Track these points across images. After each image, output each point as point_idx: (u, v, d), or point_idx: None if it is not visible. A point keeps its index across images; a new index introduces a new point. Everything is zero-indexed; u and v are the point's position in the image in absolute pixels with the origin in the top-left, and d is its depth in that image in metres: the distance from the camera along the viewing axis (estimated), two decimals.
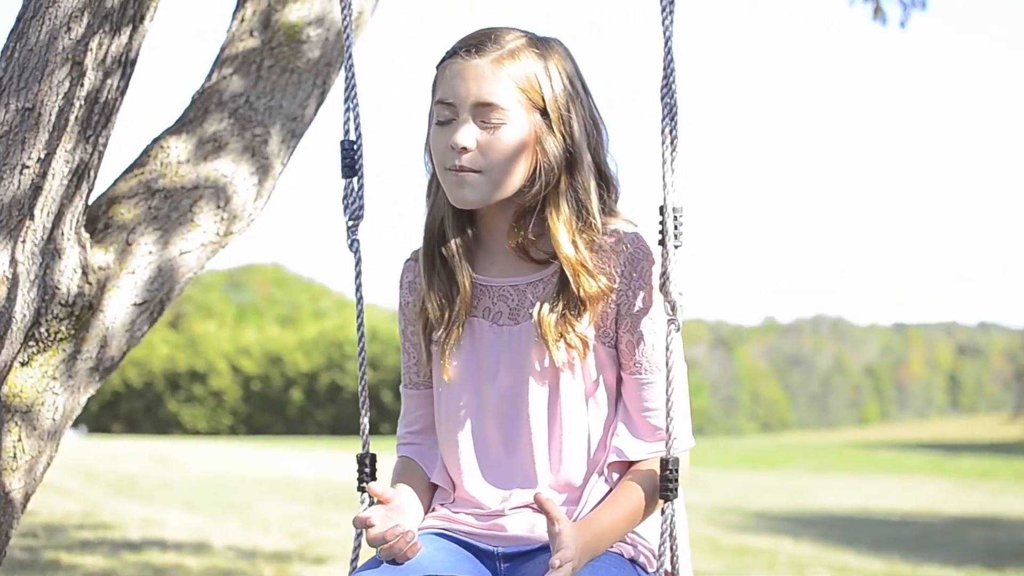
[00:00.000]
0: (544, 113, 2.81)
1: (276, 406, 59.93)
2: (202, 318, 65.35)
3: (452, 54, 2.84)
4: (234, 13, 4.06)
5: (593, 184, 2.84)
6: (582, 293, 2.78)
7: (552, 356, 2.79)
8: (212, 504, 14.11)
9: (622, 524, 2.77)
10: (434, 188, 2.93)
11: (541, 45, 2.84)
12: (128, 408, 58.49)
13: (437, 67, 2.88)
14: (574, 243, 2.79)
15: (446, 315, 2.89)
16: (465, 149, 2.76)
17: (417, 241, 3.00)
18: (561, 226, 2.80)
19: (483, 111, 2.77)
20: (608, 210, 2.88)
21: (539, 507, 2.64)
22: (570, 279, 2.78)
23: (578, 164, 2.82)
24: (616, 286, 2.79)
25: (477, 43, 2.82)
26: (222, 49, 4.01)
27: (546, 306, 2.81)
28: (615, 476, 2.85)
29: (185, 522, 11.81)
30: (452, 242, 2.89)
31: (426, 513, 2.97)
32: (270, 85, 3.91)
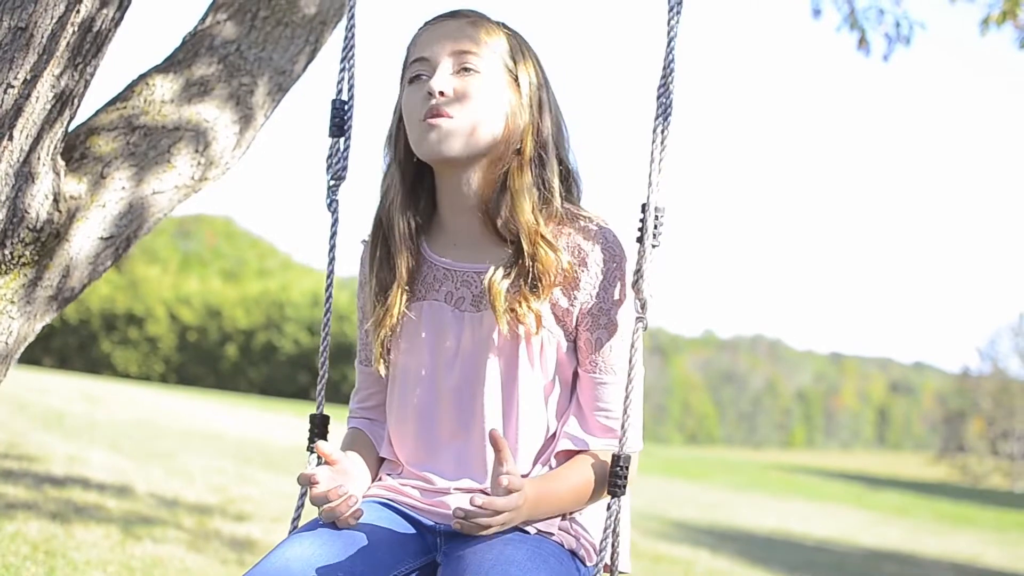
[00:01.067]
0: (517, 88, 2.82)
1: (210, 359, 59.65)
2: (146, 262, 64.94)
3: (428, 23, 2.87)
4: None
5: (557, 171, 2.85)
6: (538, 266, 2.76)
7: (500, 328, 2.77)
8: (137, 449, 14.03)
9: (567, 497, 2.76)
10: (388, 177, 2.91)
11: (517, 35, 2.88)
12: (61, 343, 58.07)
13: (411, 42, 2.88)
14: (534, 213, 2.79)
15: (398, 300, 2.88)
16: (442, 93, 2.75)
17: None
18: (524, 193, 2.78)
19: (460, 57, 2.78)
20: (573, 203, 2.89)
21: (492, 443, 2.61)
22: (526, 249, 2.76)
23: (545, 146, 2.83)
24: (581, 277, 2.79)
25: (453, 11, 2.85)
26: None
27: (499, 272, 2.79)
28: (559, 464, 2.85)
29: (109, 463, 11.74)
30: (403, 220, 2.87)
31: (373, 480, 2.97)
32: (263, 36, 3.89)
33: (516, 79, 2.82)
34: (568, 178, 2.89)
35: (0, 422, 13.95)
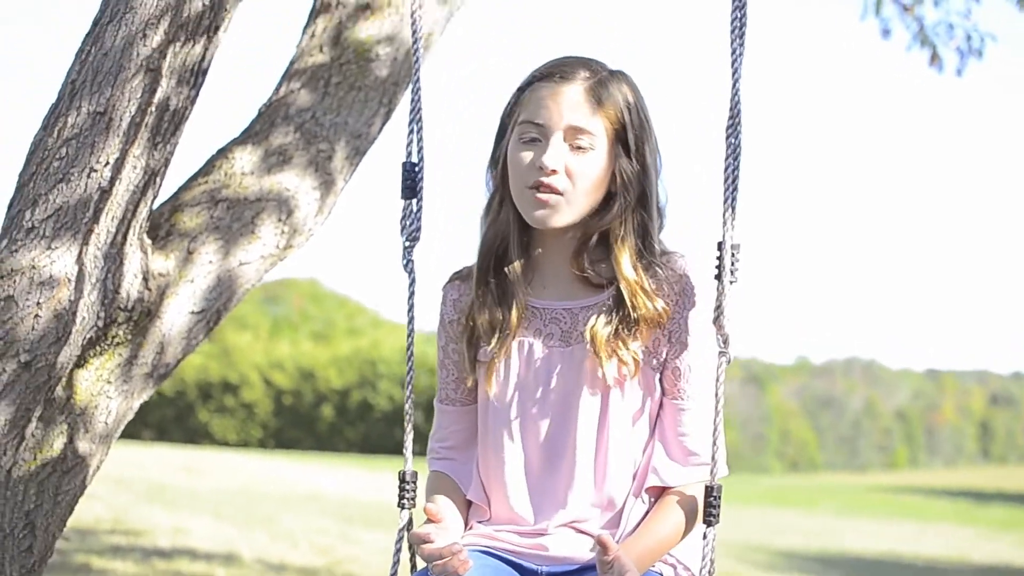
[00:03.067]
0: (624, 142, 2.85)
1: (306, 421, 59.83)
2: (237, 329, 65.35)
3: (540, 78, 2.88)
4: (305, 28, 4.09)
5: (655, 214, 2.89)
6: (638, 314, 2.83)
7: (604, 371, 2.82)
8: (240, 515, 14.12)
9: (663, 545, 2.83)
10: (495, 206, 2.95)
11: (621, 76, 2.90)
12: (158, 416, 58.45)
13: (521, 89, 2.91)
14: (635, 267, 2.84)
15: (496, 334, 2.92)
16: (555, 171, 2.80)
17: (458, 263, 3.04)
18: (626, 252, 2.85)
19: (573, 135, 2.81)
20: (660, 240, 2.93)
21: (598, 542, 2.66)
22: (627, 299, 2.83)
23: (648, 193, 2.87)
24: (670, 310, 2.83)
25: (566, 70, 2.87)
26: (291, 63, 4.05)
27: (601, 320, 2.85)
28: (652, 499, 2.90)
29: (214, 532, 11.82)
30: (516, 263, 2.92)
31: (465, 528, 2.99)
32: (337, 101, 3.94)
33: (627, 143, 2.86)
34: (660, 215, 2.93)
35: (103, 498, 14.08)
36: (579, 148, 2.83)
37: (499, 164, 2.94)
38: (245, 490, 18.79)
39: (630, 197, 2.86)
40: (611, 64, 2.93)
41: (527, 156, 2.85)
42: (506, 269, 2.93)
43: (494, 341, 2.92)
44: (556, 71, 2.88)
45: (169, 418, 58.92)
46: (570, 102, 2.84)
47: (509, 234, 2.93)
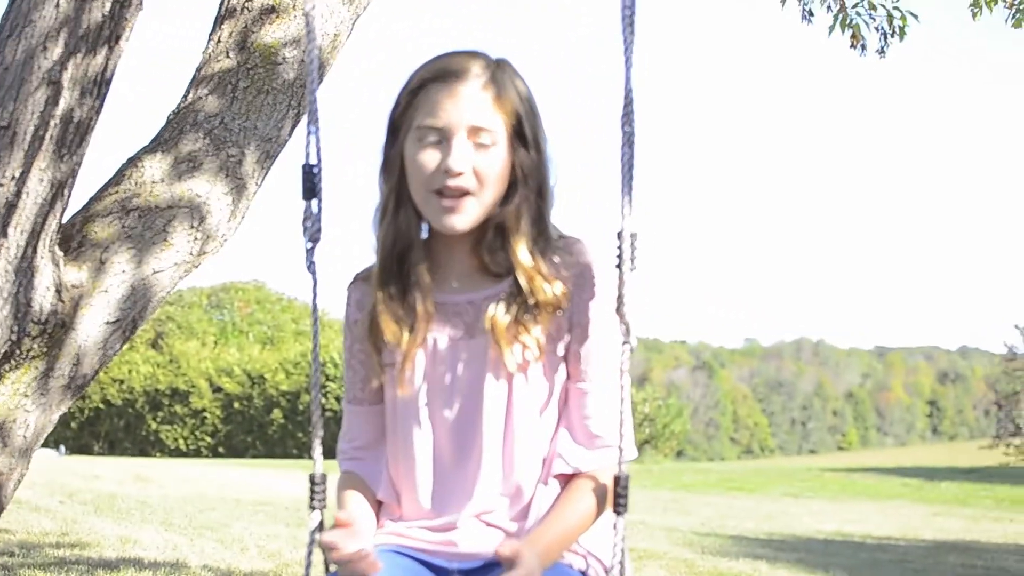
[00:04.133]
0: (521, 134, 2.86)
1: (257, 426, 59.68)
2: (184, 337, 65.08)
3: (432, 79, 2.87)
4: (210, 34, 4.07)
5: (548, 199, 2.91)
6: (537, 299, 2.82)
7: (506, 359, 2.83)
8: (189, 523, 14.07)
9: (570, 534, 2.82)
10: (391, 209, 2.94)
11: (507, 66, 2.90)
12: (108, 427, 58.19)
13: (412, 91, 2.90)
14: (531, 253, 2.85)
15: (401, 336, 2.92)
16: (461, 173, 2.80)
17: (365, 262, 3.04)
18: (522, 239, 2.85)
19: (475, 133, 2.81)
20: (553, 224, 2.95)
21: (500, 559, 2.67)
22: (524, 286, 2.83)
23: (545, 181, 2.89)
24: (569, 294, 2.85)
25: (458, 68, 2.86)
26: (198, 69, 4.03)
27: (500, 308, 2.85)
28: (559, 486, 2.90)
29: (162, 541, 11.77)
30: (418, 267, 2.92)
31: (376, 527, 3.00)
32: (245, 106, 3.93)
33: (523, 135, 2.87)
34: (552, 198, 2.95)
35: (51, 512, 14.01)
36: (482, 146, 2.83)
37: (393, 168, 2.93)
38: (195, 498, 18.72)
39: (530, 187, 2.88)
40: (493, 54, 2.93)
41: (431, 160, 2.83)
42: (409, 271, 2.93)
43: (400, 342, 2.93)
44: (447, 70, 2.87)
45: (119, 428, 58.64)
46: (468, 101, 2.84)
47: (409, 235, 2.93)
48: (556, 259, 2.87)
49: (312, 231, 3.03)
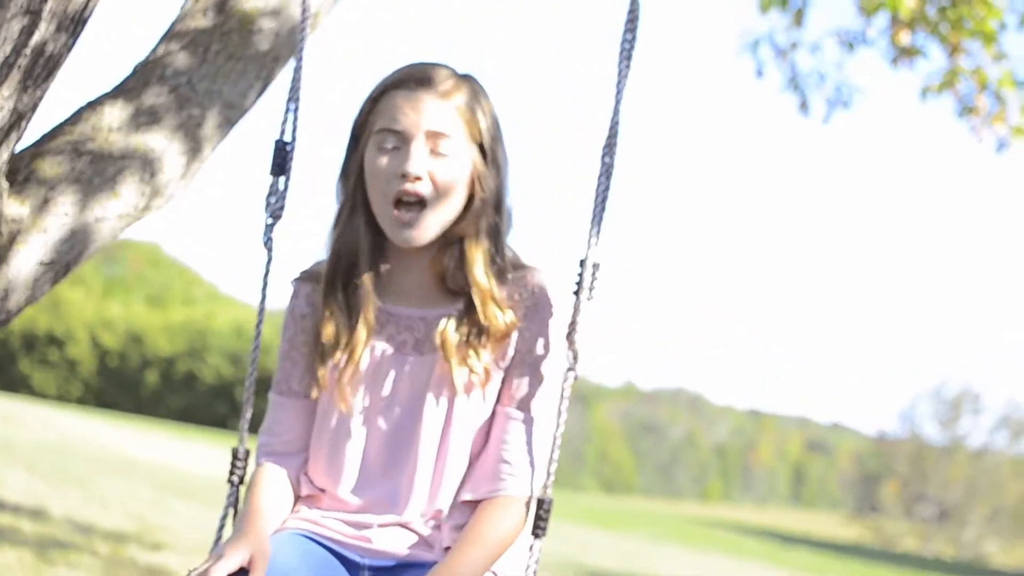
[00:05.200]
0: (480, 146, 2.87)
1: (130, 384, 59.01)
2: (70, 284, 64.19)
3: (395, 85, 2.87)
4: None
5: (505, 218, 2.92)
6: (488, 323, 2.83)
7: (453, 378, 2.83)
8: (54, 472, 13.90)
9: (481, 565, 2.78)
10: (345, 216, 2.93)
11: (473, 82, 2.91)
12: None
13: (374, 98, 2.90)
14: (487, 274, 2.85)
15: (344, 343, 2.90)
16: (418, 177, 2.79)
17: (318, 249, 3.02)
18: (479, 255, 2.86)
19: (434, 140, 2.81)
20: (510, 248, 2.95)
21: None
22: (478, 307, 2.83)
23: (502, 197, 2.90)
24: (519, 323, 2.85)
25: (421, 75, 2.86)
26: (173, 24, 3.97)
27: (451, 325, 2.86)
28: (467, 512, 2.89)
29: (25, 485, 11.64)
30: (366, 275, 2.91)
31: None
32: (215, 69, 3.88)
33: (480, 134, 2.87)
34: (509, 217, 2.95)
35: None
36: (440, 154, 2.83)
37: (351, 175, 2.93)
38: (61, 447, 18.50)
39: (488, 202, 2.88)
40: (460, 68, 2.95)
41: (388, 164, 2.83)
42: (356, 281, 2.92)
43: (339, 353, 2.91)
44: (410, 77, 2.87)
45: None
46: (428, 107, 2.83)
47: (359, 245, 2.91)
48: (510, 285, 2.88)
49: (275, 207, 3.04)
